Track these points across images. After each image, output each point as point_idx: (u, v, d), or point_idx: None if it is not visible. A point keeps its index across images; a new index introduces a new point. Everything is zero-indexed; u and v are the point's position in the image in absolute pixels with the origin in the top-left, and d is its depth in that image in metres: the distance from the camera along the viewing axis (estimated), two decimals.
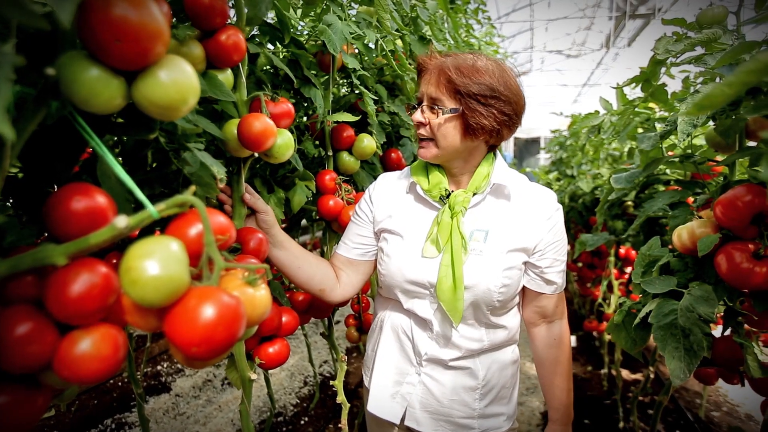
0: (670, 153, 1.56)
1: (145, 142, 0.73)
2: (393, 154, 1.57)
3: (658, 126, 1.68)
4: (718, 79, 0.92)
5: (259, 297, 0.53)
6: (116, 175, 0.62)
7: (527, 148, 15.82)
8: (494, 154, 1.13)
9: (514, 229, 1.07)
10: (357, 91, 1.44)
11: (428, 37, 1.52)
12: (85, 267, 0.48)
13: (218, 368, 3.32)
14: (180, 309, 0.46)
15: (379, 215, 1.16)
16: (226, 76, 0.85)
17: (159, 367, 3.37)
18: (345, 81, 1.46)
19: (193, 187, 0.51)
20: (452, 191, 1.10)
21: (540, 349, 1.20)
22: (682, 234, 1.00)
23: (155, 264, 0.44)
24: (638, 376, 3.32)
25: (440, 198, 1.10)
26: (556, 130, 4.71)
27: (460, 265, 1.01)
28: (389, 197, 1.17)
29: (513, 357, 1.18)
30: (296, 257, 1.12)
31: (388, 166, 1.56)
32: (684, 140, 0.81)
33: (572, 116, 3.93)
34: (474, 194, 1.09)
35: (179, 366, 3.40)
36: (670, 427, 2.65)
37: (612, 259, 2.59)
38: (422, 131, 1.07)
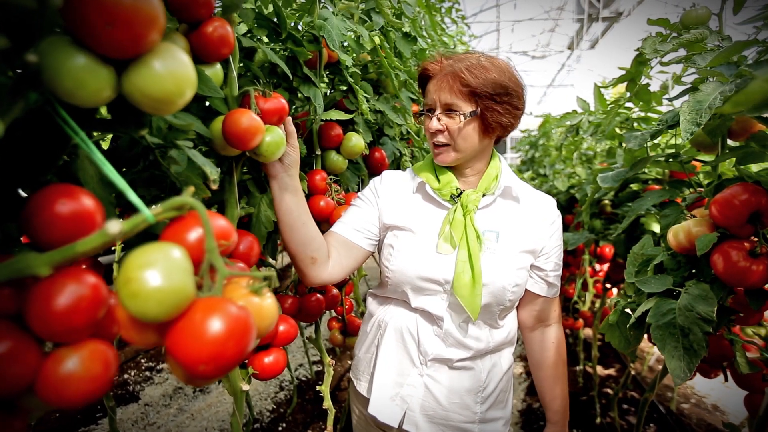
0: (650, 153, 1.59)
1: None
2: (377, 154, 1.53)
3: (637, 125, 1.71)
4: (711, 78, 0.92)
5: (266, 306, 0.49)
6: (101, 176, 0.57)
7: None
8: (498, 155, 1.16)
9: (523, 232, 1.09)
10: (341, 89, 1.40)
11: (412, 35, 1.49)
12: (71, 277, 0.43)
13: None
14: (185, 323, 0.41)
15: (386, 208, 1.14)
16: (214, 71, 0.80)
17: (126, 376, 3.23)
18: (328, 78, 1.42)
19: (191, 188, 0.47)
20: (463, 190, 1.10)
21: (537, 353, 1.20)
22: (678, 233, 1.00)
23: (157, 274, 0.39)
24: (611, 371, 3.40)
25: (451, 197, 1.10)
26: (525, 129, 4.77)
27: (478, 260, 1.01)
28: (396, 194, 1.15)
29: (509, 361, 1.17)
30: (306, 212, 1.03)
31: (373, 165, 1.52)
32: (687, 138, 0.81)
33: (544, 116, 3.99)
34: (484, 195, 1.10)
35: (148, 374, 3.27)
36: (644, 420, 2.72)
37: (587, 257, 2.63)
38: (440, 138, 1.07)
